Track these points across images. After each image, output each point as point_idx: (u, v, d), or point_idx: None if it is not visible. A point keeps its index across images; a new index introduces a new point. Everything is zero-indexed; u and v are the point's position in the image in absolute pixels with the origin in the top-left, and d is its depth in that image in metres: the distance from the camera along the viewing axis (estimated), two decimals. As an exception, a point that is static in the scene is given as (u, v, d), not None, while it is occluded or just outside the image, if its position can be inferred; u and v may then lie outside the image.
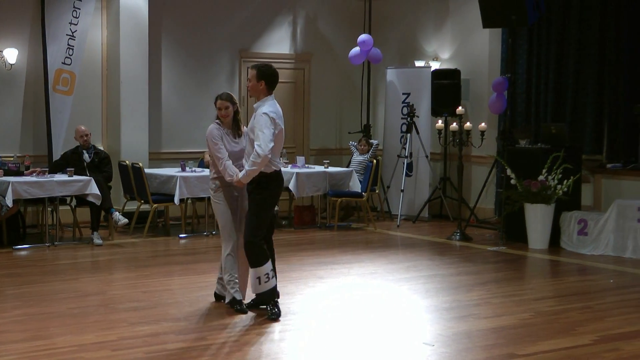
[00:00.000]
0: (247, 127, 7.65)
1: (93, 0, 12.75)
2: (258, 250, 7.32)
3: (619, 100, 11.93)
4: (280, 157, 13.31)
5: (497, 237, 11.83)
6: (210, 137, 7.55)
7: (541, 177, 11.05)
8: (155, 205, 11.93)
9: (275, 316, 7.31)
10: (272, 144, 7.14)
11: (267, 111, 7.23)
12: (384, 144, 14.53)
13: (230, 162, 7.49)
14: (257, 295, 7.45)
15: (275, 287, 7.46)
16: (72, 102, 12.64)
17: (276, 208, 12.55)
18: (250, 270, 7.38)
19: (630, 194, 11.28)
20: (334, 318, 7.50)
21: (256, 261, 7.31)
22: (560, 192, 11.01)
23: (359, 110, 15.10)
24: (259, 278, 7.31)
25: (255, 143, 7.13)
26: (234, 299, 7.58)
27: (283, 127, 7.37)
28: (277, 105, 7.39)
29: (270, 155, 7.14)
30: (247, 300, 7.68)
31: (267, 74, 7.42)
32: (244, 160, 7.41)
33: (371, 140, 13.87)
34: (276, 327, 7.13)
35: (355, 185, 12.90)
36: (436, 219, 13.90)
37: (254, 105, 7.41)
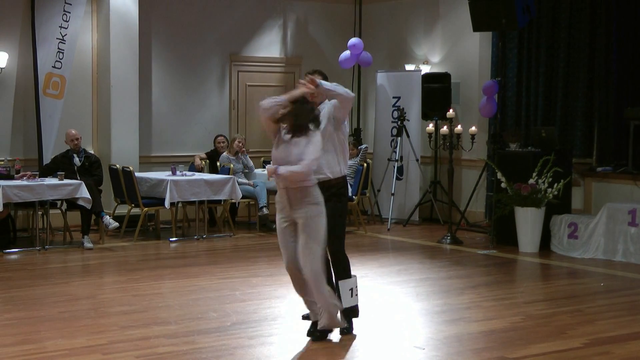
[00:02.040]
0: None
1: (83, 4, 12.73)
2: (345, 260, 6.96)
3: (609, 104, 11.96)
4: (271, 161, 12.90)
5: (488, 240, 11.85)
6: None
7: (531, 181, 11.07)
8: (145, 209, 11.91)
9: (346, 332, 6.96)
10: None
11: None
12: (375, 148, 14.54)
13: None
14: (346, 309, 6.86)
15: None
16: (63, 106, 12.62)
17: (265, 211, 12.63)
18: (341, 283, 6.85)
19: (621, 197, 11.32)
20: (325, 321, 7.49)
21: (345, 272, 6.93)
22: (551, 195, 11.04)
23: (349, 114, 15.07)
24: (351, 290, 6.88)
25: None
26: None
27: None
28: None
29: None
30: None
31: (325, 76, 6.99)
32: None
33: (360, 146, 13.85)
34: (267, 330, 7.13)
35: (346, 188, 12.88)
36: (427, 223, 13.91)
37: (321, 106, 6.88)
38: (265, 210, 12.54)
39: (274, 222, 13.63)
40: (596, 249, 10.87)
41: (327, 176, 6.79)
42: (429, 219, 14.07)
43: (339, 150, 6.85)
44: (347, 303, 6.89)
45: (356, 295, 6.98)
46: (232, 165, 12.79)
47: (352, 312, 7.02)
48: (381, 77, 14.45)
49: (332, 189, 6.81)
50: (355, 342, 6.83)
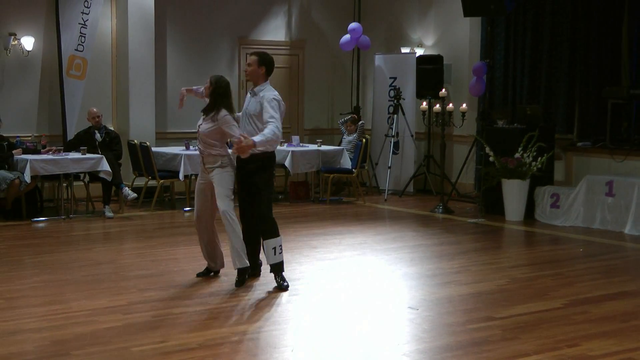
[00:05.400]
0: (239, 110, 7.62)
1: (103, -9, 12.72)
2: (272, 223, 7.28)
3: (589, 84, 11.94)
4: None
5: (477, 210, 11.86)
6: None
7: (517, 155, 11.07)
8: (161, 181, 11.93)
9: (286, 286, 7.25)
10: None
11: (275, 97, 7.16)
12: (373, 125, 14.53)
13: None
14: (271, 265, 7.30)
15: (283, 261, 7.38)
16: (84, 86, 12.61)
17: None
18: (265, 242, 7.26)
19: (599, 170, 11.31)
20: (326, 284, 7.52)
21: (271, 233, 7.26)
22: (535, 168, 11.04)
23: (349, 93, 15.08)
24: (274, 249, 7.22)
25: (272, 124, 6.98)
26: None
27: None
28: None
29: (281, 137, 7.08)
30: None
31: (268, 60, 7.35)
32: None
33: (358, 123, 13.82)
34: (275, 292, 7.16)
35: (346, 162, 12.91)
36: (420, 194, 13.92)
37: (254, 90, 7.31)
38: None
39: (280, 193, 13.68)
40: (576, 217, 10.88)
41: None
42: (422, 190, 14.07)
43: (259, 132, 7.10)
44: (271, 260, 7.27)
45: (280, 253, 7.26)
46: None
47: (277, 267, 7.30)
48: (379, 59, 14.42)
49: (258, 162, 7.16)
50: (353, 303, 6.86)
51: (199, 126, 7.43)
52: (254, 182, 7.28)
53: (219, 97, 7.36)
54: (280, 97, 7.26)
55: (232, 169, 7.38)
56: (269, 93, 7.20)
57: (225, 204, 7.28)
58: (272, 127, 6.95)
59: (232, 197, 7.36)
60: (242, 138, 6.79)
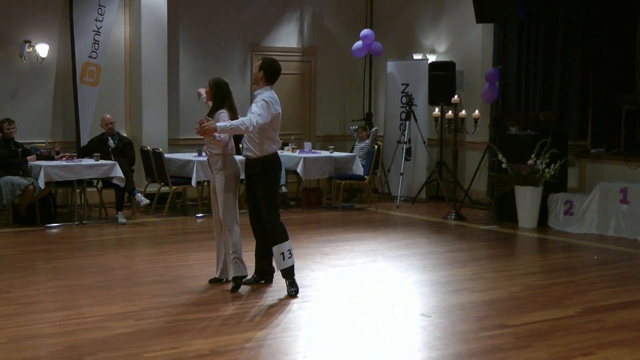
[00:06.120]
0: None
1: (117, -2, 12.78)
2: (279, 227, 7.29)
3: (602, 90, 11.89)
4: (289, 142, 13.31)
5: (489, 217, 11.82)
6: None
7: (530, 162, 11.03)
8: (174, 187, 11.94)
9: (294, 292, 7.26)
10: (260, 123, 7.03)
11: (266, 97, 7.17)
12: (385, 131, 14.52)
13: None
14: (280, 271, 7.31)
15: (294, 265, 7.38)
16: (98, 93, 12.64)
17: (284, 189, 12.62)
18: (274, 248, 7.28)
19: (613, 177, 11.26)
20: (338, 291, 7.50)
21: (278, 238, 7.26)
22: (548, 175, 11.00)
23: (361, 100, 15.07)
24: (282, 254, 7.22)
25: (247, 117, 7.02)
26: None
27: (280, 113, 7.29)
28: (275, 94, 7.29)
29: (251, 129, 7.00)
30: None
31: (267, 65, 7.34)
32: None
33: (370, 129, 13.80)
34: (286, 299, 7.15)
35: (358, 169, 12.89)
36: (433, 200, 13.89)
37: (255, 92, 7.41)
38: (283, 189, 12.53)
39: (292, 199, 13.68)
40: (590, 224, 10.83)
41: (255, 153, 7.29)
42: (435, 197, 14.04)
43: (260, 135, 7.19)
44: (280, 266, 7.28)
45: (289, 257, 7.26)
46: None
47: (286, 272, 7.31)
48: (391, 66, 14.41)
49: (258, 166, 7.28)
50: (365, 309, 6.84)
51: None
52: (255, 186, 7.35)
53: (221, 99, 7.45)
54: (274, 99, 7.23)
55: (235, 170, 7.44)
56: (263, 94, 7.23)
57: (224, 214, 7.35)
58: (244, 118, 7.01)
59: (232, 202, 7.39)
60: (205, 120, 6.96)
